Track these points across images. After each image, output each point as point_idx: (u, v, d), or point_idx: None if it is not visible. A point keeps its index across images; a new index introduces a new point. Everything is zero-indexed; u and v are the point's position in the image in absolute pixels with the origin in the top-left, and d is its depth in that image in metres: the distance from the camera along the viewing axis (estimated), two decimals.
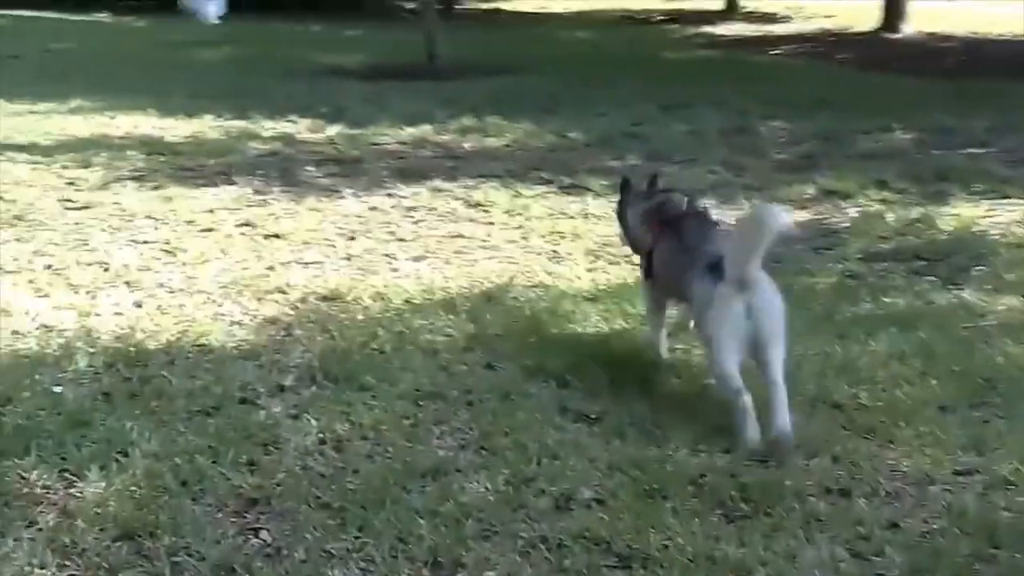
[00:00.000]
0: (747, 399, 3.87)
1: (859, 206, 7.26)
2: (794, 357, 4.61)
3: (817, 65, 15.34)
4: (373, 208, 7.14)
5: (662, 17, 21.89)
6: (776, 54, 16.66)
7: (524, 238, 6.54)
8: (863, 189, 7.60)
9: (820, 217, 7.07)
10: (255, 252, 6.08)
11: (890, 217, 6.96)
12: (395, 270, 5.85)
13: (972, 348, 4.73)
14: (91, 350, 4.54)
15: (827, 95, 11.84)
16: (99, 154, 8.22)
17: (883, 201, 7.36)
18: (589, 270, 5.85)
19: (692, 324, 4.38)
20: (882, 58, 15.59)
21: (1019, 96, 11.35)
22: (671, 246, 4.39)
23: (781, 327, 3.97)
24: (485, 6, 24.55)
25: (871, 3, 19.62)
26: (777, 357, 3.95)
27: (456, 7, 23.91)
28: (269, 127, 9.58)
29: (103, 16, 19.00)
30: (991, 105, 10.87)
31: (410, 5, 20.82)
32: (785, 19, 21.22)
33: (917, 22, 18.65)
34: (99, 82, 11.37)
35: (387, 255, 6.14)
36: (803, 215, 7.10)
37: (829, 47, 17.30)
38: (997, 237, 6.49)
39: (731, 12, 21.99)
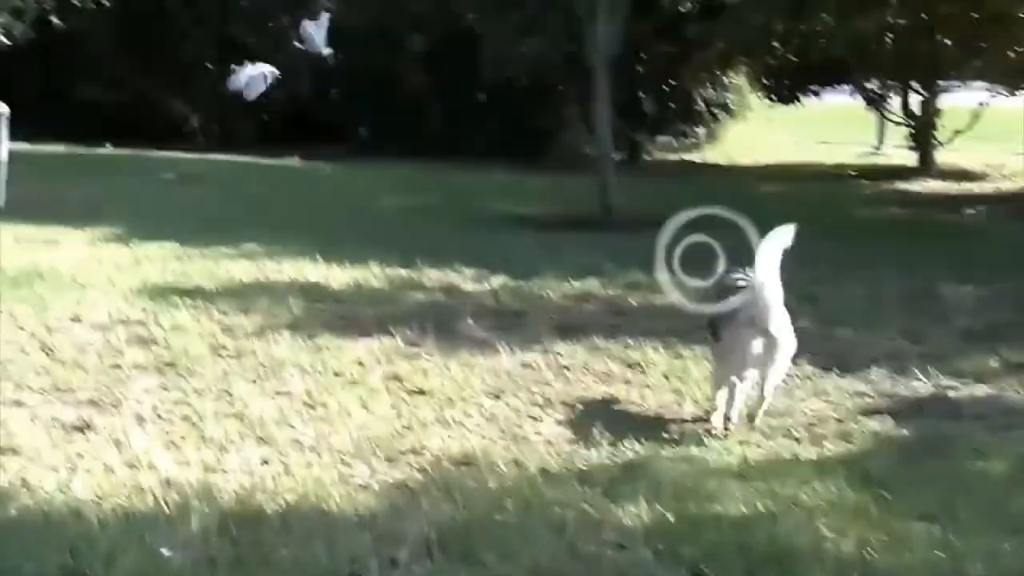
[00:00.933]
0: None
1: None
2: (955, 553, 4.21)
3: (1014, 227, 14.67)
4: (526, 365, 6.92)
5: (855, 173, 21.43)
6: (971, 214, 16.05)
7: (678, 403, 6.24)
8: None
9: (1000, 393, 6.59)
10: (396, 409, 5.91)
11: None
12: (538, 433, 5.61)
13: None
14: (207, 510, 4.39)
15: (1022, 259, 11.26)
16: (259, 300, 8.21)
17: None
18: (741, 442, 5.50)
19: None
20: None
21: None
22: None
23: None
24: (673, 157, 24.45)
25: None
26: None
27: (644, 156, 23.88)
28: (434, 276, 9.48)
29: (293, 161, 19.48)
30: None
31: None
32: (983, 177, 20.54)
33: None
34: (273, 227, 11.49)
35: (532, 417, 5.91)
36: (983, 390, 6.64)
37: None
38: None
39: (926, 168, 21.37)
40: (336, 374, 6.53)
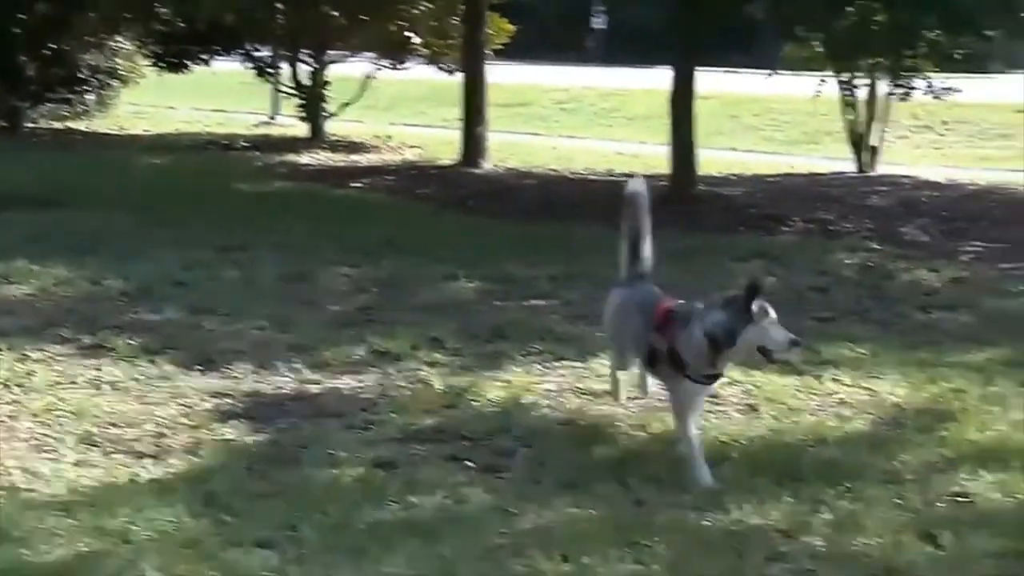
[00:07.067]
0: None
1: (409, 370, 6.62)
2: None
3: (395, 202, 14.74)
4: None
5: (247, 144, 21.07)
6: (356, 187, 16.07)
7: (12, 417, 5.57)
8: (416, 349, 6.98)
9: (365, 385, 6.41)
10: None
11: (439, 385, 6.35)
12: None
13: (500, 566, 4.12)
14: None
15: (398, 237, 11.10)
16: None
17: (435, 364, 6.76)
18: (76, 463, 4.95)
19: None
20: (460, 196, 15.21)
21: (586, 241, 10.99)
22: None
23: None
24: (58, 125, 23.04)
25: (456, 134, 19.42)
26: None
27: (26, 125, 22.37)
28: None
29: None
30: (560, 251, 10.52)
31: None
32: (372, 149, 20.78)
33: (499, 155, 18.49)
34: None
35: None
36: (347, 382, 6.43)
37: (410, 181, 16.83)
38: (546, 411, 6.00)
39: (317, 140, 21.38)
40: None
